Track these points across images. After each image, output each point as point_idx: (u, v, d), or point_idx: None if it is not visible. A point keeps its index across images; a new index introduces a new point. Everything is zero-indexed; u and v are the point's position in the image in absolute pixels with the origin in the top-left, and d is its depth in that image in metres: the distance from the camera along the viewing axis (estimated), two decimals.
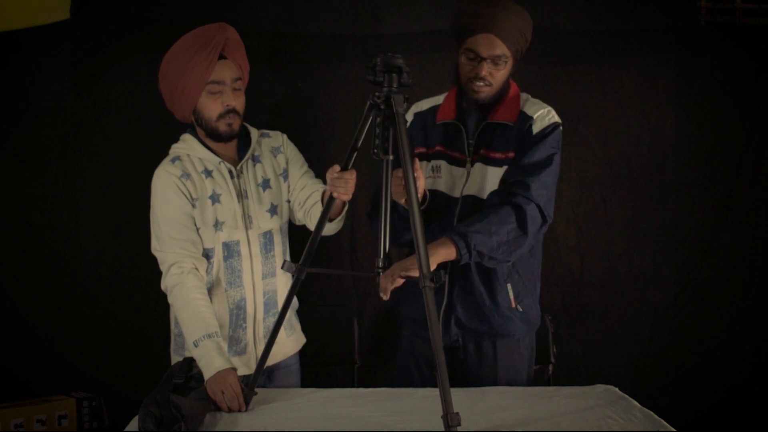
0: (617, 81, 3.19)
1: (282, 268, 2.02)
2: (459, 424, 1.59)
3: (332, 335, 2.85)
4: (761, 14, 3.17)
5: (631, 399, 2.04)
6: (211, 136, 2.22)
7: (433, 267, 1.92)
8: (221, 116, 2.18)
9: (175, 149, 2.27)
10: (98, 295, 3.11)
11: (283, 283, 2.29)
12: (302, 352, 2.43)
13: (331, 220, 2.18)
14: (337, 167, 1.96)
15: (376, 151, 1.85)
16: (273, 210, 2.29)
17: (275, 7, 3.11)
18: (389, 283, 1.90)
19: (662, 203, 3.22)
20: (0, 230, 3.10)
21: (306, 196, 2.27)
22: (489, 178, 2.21)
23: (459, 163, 2.25)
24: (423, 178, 2.08)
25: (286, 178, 2.33)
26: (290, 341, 2.37)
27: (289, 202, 2.34)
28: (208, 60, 2.12)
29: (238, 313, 2.24)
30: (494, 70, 2.17)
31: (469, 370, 2.28)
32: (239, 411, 1.96)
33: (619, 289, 3.22)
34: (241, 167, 2.26)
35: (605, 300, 3.22)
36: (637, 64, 3.19)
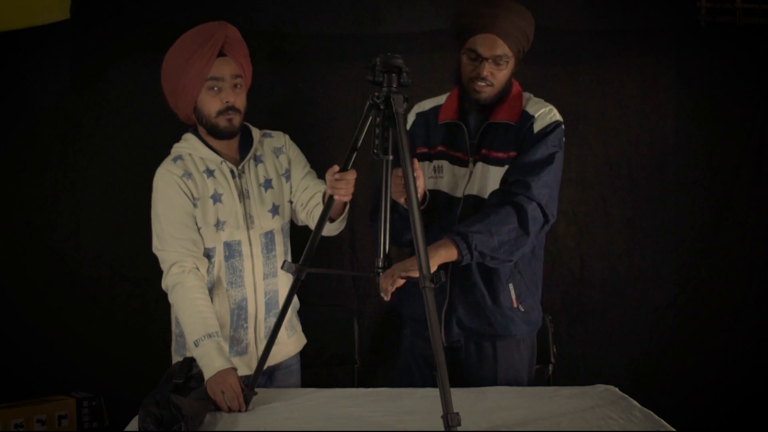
0: (617, 81, 3.19)
1: (282, 268, 2.02)
2: (459, 424, 1.59)
3: (332, 335, 2.85)
4: (761, 14, 3.17)
5: (631, 399, 2.04)
6: (211, 133, 2.22)
7: (434, 268, 1.91)
8: (220, 113, 2.18)
9: (177, 148, 2.27)
10: (98, 295, 3.11)
11: (284, 284, 2.29)
12: (302, 353, 2.43)
13: (332, 221, 2.18)
14: (336, 168, 1.96)
15: (375, 151, 1.85)
16: (275, 210, 2.29)
17: (275, 7, 3.12)
18: (389, 284, 1.90)
19: (662, 203, 3.22)
20: (0, 230, 3.10)
21: (308, 197, 2.27)
22: (491, 178, 2.20)
23: (461, 163, 2.25)
24: (422, 177, 2.08)
25: (288, 178, 2.33)
26: (291, 342, 2.37)
27: (291, 202, 2.34)
28: (207, 56, 2.13)
29: (239, 313, 2.24)
30: (496, 70, 2.16)
31: (469, 371, 2.28)
32: (239, 411, 1.96)
33: (619, 289, 3.23)
34: (243, 167, 2.26)
35: (605, 300, 3.23)
36: (637, 64, 3.19)
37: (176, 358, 2.24)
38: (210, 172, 2.22)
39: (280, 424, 1.88)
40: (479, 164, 2.22)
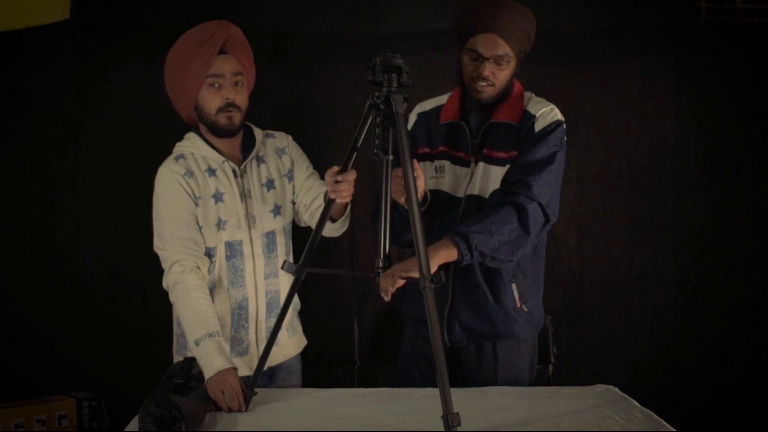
0: (617, 81, 3.19)
1: (282, 268, 2.02)
2: (459, 424, 1.59)
3: (332, 335, 2.85)
4: (761, 14, 3.17)
5: (631, 399, 2.04)
6: (212, 130, 2.22)
7: (434, 268, 1.91)
8: (220, 110, 2.18)
9: (179, 147, 2.27)
10: (98, 295, 3.11)
11: (285, 284, 2.28)
12: (302, 353, 2.43)
13: (334, 221, 2.17)
14: (335, 168, 1.96)
15: (375, 151, 1.84)
16: (276, 210, 2.29)
17: (275, 7, 3.12)
18: (390, 284, 1.90)
19: (662, 203, 3.22)
20: (0, 230, 3.10)
21: (312, 198, 2.27)
22: (492, 178, 2.20)
23: (463, 163, 2.25)
24: (423, 177, 2.08)
25: (290, 178, 2.33)
26: (292, 342, 2.37)
27: (294, 203, 2.34)
28: (207, 54, 2.13)
29: (240, 313, 2.23)
30: (497, 70, 2.16)
31: (470, 371, 2.28)
32: (239, 411, 1.96)
33: (619, 289, 3.22)
34: (245, 167, 2.26)
35: (605, 300, 3.22)
36: (637, 64, 3.19)
37: (177, 359, 2.24)
38: (212, 172, 2.22)
39: (280, 424, 1.88)
40: (481, 164, 2.22)
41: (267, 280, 2.26)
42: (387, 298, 1.91)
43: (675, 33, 3.18)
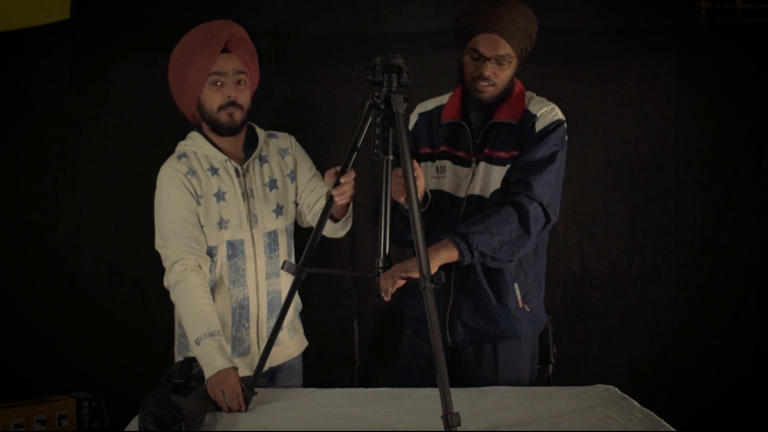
0: (617, 81, 3.19)
1: (282, 268, 2.01)
2: (459, 424, 1.59)
3: (332, 335, 2.85)
4: (761, 14, 3.17)
5: (631, 399, 2.04)
6: (213, 129, 2.22)
7: (434, 269, 1.91)
8: (222, 107, 2.18)
9: (182, 146, 2.27)
10: (98, 295, 3.11)
11: (287, 284, 2.28)
12: (303, 353, 2.43)
13: (336, 221, 2.17)
14: (335, 170, 1.96)
15: (375, 151, 1.84)
16: (279, 210, 2.29)
17: (275, 7, 3.12)
18: (390, 284, 1.90)
19: (662, 203, 3.22)
20: (0, 230, 3.10)
21: (315, 199, 2.27)
22: (494, 178, 2.20)
23: (464, 162, 2.25)
24: (423, 177, 2.08)
25: (293, 179, 2.33)
26: (293, 343, 2.37)
27: (296, 204, 2.34)
28: (210, 53, 2.13)
29: (240, 312, 2.23)
30: (498, 70, 2.16)
31: (470, 371, 2.28)
32: (239, 411, 1.96)
33: (619, 289, 3.22)
34: (248, 166, 2.26)
35: (605, 300, 3.22)
36: (637, 64, 3.19)
37: (179, 359, 2.24)
38: (214, 170, 2.22)
39: (280, 424, 1.88)
40: (482, 164, 2.22)
41: (268, 279, 2.26)
42: (387, 298, 1.91)
43: (675, 33, 3.18)
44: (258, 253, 2.24)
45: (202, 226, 2.19)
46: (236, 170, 2.24)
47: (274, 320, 2.24)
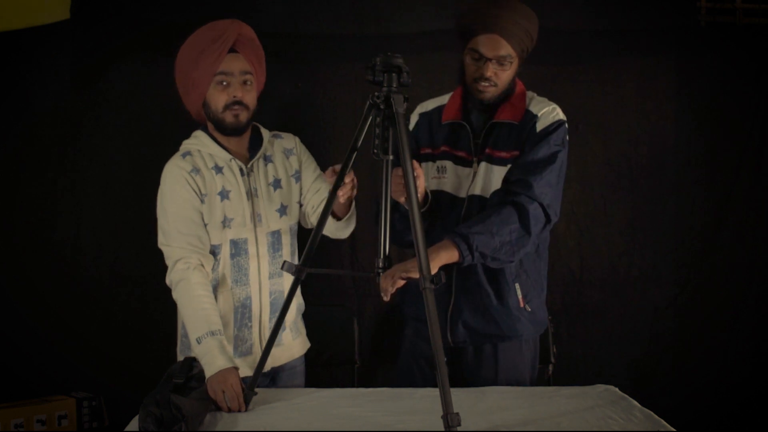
0: (617, 81, 3.19)
1: (282, 268, 2.01)
2: (459, 424, 1.59)
3: (332, 335, 2.85)
4: (761, 14, 3.17)
5: (631, 399, 2.04)
6: (218, 128, 2.22)
7: (435, 269, 1.91)
8: (227, 107, 2.18)
9: (187, 145, 2.27)
10: (98, 295, 3.11)
11: (290, 284, 2.28)
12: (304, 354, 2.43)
13: (339, 219, 2.17)
14: (336, 167, 1.96)
15: (375, 151, 1.84)
16: (283, 210, 2.29)
17: (275, 7, 3.11)
18: (390, 284, 1.90)
19: (662, 203, 3.22)
20: (0, 230, 3.10)
21: (319, 200, 2.28)
22: (495, 178, 2.20)
23: (465, 163, 2.25)
24: (423, 177, 2.08)
25: (297, 179, 2.33)
26: (296, 343, 2.37)
27: (301, 205, 2.34)
28: (217, 52, 2.14)
29: (243, 311, 2.23)
30: (499, 71, 2.16)
31: (471, 371, 2.28)
32: (239, 411, 1.96)
33: (619, 289, 3.22)
34: (252, 165, 2.26)
35: (605, 300, 3.22)
36: (637, 64, 3.19)
37: (181, 359, 2.24)
38: (219, 169, 2.22)
39: (280, 424, 1.88)
40: (483, 164, 2.22)
41: (271, 279, 2.26)
42: (386, 298, 1.91)
43: (675, 33, 3.18)
44: (261, 252, 2.24)
45: (205, 225, 2.19)
46: (241, 169, 2.24)
47: None
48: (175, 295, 2.15)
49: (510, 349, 2.27)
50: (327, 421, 1.90)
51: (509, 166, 2.19)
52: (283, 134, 2.38)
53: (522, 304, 2.24)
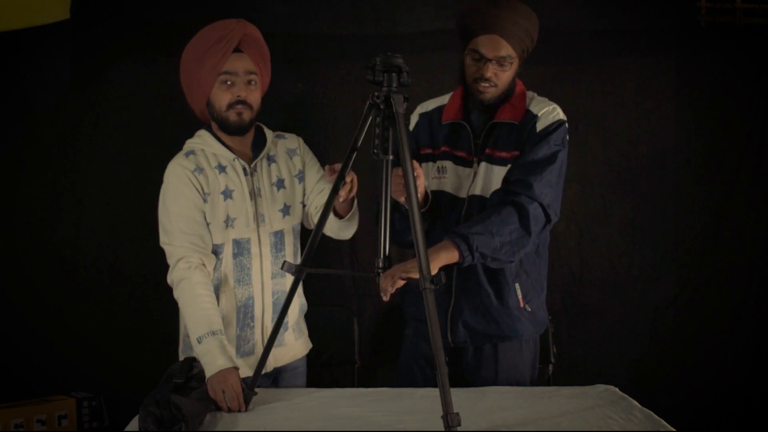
0: (617, 81, 3.19)
1: (281, 268, 2.01)
2: (459, 424, 1.59)
3: (332, 335, 2.85)
4: (761, 14, 3.17)
5: (631, 399, 2.04)
6: (222, 127, 2.22)
7: (435, 270, 1.91)
8: (230, 106, 2.18)
9: (190, 144, 2.27)
10: (98, 295, 3.11)
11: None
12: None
13: (341, 218, 2.17)
14: (337, 166, 1.96)
15: (375, 151, 1.84)
16: (286, 210, 2.29)
17: (275, 7, 3.11)
18: (389, 285, 1.90)
19: (662, 203, 3.22)
20: (0, 230, 3.10)
21: (323, 201, 2.27)
22: (495, 178, 2.20)
23: (465, 163, 2.25)
24: (423, 177, 2.08)
25: (301, 179, 2.33)
26: (298, 344, 2.36)
27: (304, 205, 2.34)
28: (222, 51, 2.14)
29: (245, 311, 2.23)
30: (500, 71, 2.16)
31: (471, 371, 2.28)
32: (239, 411, 1.96)
33: (619, 289, 3.22)
34: (255, 165, 2.26)
35: (605, 300, 3.23)
36: (637, 64, 3.19)
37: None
38: (222, 169, 2.22)
39: (280, 424, 1.88)
40: (483, 164, 2.22)
41: (274, 279, 2.26)
42: (386, 298, 1.91)
43: (675, 33, 3.18)
44: (264, 252, 2.24)
45: (208, 224, 2.19)
46: (244, 169, 2.24)
47: None
48: (176, 294, 2.15)
49: (510, 349, 2.27)
50: (327, 421, 1.90)
51: (509, 166, 2.19)
52: (287, 134, 2.38)
53: (522, 304, 2.24)
